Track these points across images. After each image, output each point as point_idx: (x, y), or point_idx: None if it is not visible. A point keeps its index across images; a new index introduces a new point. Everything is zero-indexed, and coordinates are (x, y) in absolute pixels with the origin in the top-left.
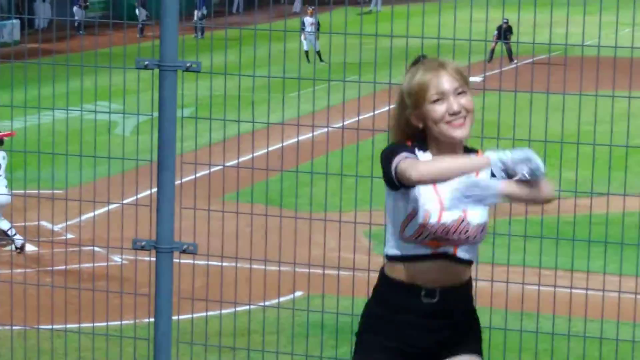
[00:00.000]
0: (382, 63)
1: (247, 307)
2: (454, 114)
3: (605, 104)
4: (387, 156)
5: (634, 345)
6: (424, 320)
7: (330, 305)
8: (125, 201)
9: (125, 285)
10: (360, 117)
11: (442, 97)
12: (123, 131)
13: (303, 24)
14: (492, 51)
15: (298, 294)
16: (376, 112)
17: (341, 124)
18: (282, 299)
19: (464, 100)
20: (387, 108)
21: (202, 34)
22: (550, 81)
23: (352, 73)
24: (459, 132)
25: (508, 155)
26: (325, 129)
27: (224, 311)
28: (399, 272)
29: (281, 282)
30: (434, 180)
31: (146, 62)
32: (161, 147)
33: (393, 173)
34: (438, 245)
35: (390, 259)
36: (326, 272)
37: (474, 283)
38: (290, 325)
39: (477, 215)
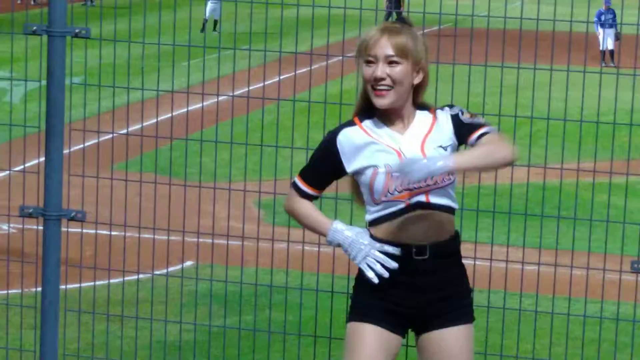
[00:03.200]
0: (274, 33)
1: (136, 276)
2: (377, 80)
3: (495, 75)
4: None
5: (520, 316)
6: (415, 278)
7: (219, 275)
8: (13, 169)
9: (13, 254)
10: (251, 87)
11: (373, 59)
12: (11, 99)
13: None
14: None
15: (188, 263)
16: (266, 83)
17: (231, 94)
18: (171, 269)
19: (394, 70)
20: (277, 79)
21: (93, 1)
22: (441, 53)
23: (243, 43)
24: (377, 100)
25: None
26: (215, 99)
27: (112, 280)
28: (383, 234)
29: (170, 251)
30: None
31: (34, 28)
32: (50, 114)
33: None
34: (410, 195)
35: (372, 223)
36: (215, 241)
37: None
38: (179, 294)
39: (438, 156)
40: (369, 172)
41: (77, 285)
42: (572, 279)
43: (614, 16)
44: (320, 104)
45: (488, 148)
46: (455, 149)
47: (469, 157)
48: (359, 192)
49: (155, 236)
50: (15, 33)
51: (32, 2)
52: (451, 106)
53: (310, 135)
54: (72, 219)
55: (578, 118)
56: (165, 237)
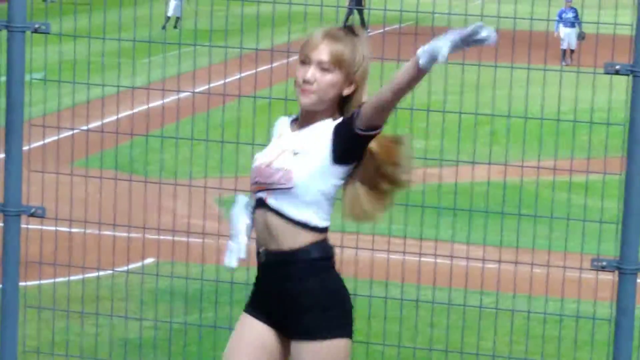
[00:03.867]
0: (234, 30)
1: (96, 273)
2: (305, 81)
3: (456, 74)
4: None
5: (480, 313)
6: (260, 280)
7: (180, 272)
8: None
9: None
10: (212, 84)
11: (307, 61)
12: None
13: None
14: (349, 15)
15: (148, 260)
16: (227, 80)
17: (192, 91)
18: (131, 266)
19: (324, 77)
20: (237, 76)
21: None
22: (402, 51)
23: (205, 40)
24: (301, 98)
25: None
26: (176, 96)
27: (72, 277)
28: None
29: (131, 248)
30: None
31: None
32: (9, 110)
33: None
34: (257, 189)
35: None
36: (176, 238)
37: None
38: (140, 291)
39: (281, 160)
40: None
41: (37, 282)
42: (533, 277)
43: (576, 15)
44: (281, 101)
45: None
46: (322, 162)
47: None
48: None
49: (116, 233)
50: None
51: None
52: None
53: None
54: (31, 215)
55: (539, 116)
56: (126, 234)
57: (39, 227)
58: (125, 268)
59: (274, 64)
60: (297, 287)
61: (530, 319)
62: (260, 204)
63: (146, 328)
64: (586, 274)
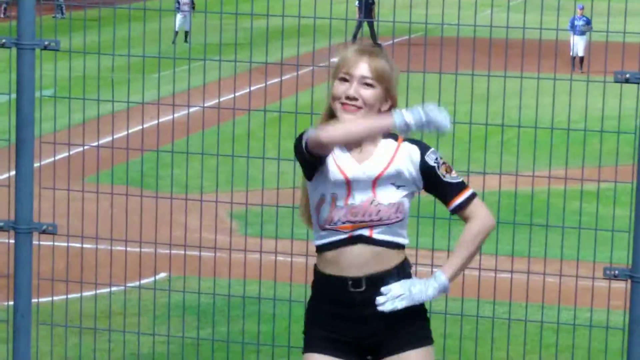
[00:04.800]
0: (244, 44)
1: (108, 289)
2: (349, 98)
3: (466, 84)
4: (298, 139)
5: (493, 323)
6: (354, 310)
7: (192, 286)
8: None
9: None
10: (222, 98)
11: (348, 78)
12: None
13: (178, 2)
14: (359, 28)
15: (161, 275)
16: (237, 94)
17: (202, 105)
18: (144, 281)
19: (367, 92)
20: (247, 90)
21: (63, 13)
22: (411, 61)
23: (214, 54)
24: (345, 115)
25: (416, 117)
26: (186, 111)
27: (85, 293)
28: (324, 263)
29: (143, 263)
30: (343, 141)
31: (3, 40)
32: (19, 127)
33: (304, 149)
34: (353, 228)
35: (317, 249)
36: (188, 252)
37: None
38: (152, 306)
39: (387, 196)
40: (316, 197)
41: (49, 298)
42: (545, 286)
43: (588, 22)
44: (291, 114)
45: (475, 237)
46: (414, 193)
47: (459, 263)
48: (307, 207)
49: (128, 248)
50: None
51: (1, 15)
52: (426, 148)
53: (282, 146)
54: (43, 232)
55: (549, 125)
56: (138, 249)
57: (51, 243)
58: (137, 283)
59: (284, 77)
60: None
61: (543, 329)
62: (360, 240)
63: (159, 343)
64: (599, 282)
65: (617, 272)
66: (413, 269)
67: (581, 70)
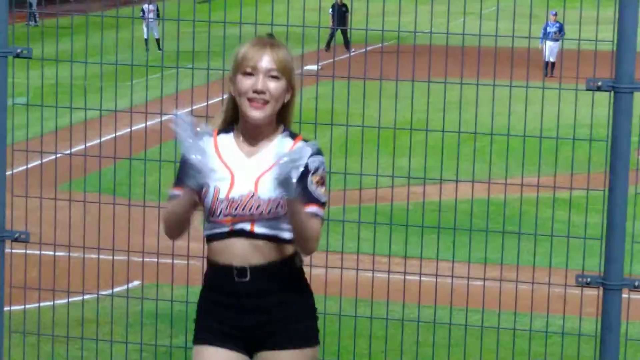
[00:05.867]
0: (217, 51)
1: (81, 297)
2: (256, 92)
3: (439, 92)
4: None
5: (466, 330)
6: (240, 300)
7: (165, 294)
8: None
9: None
10: (194, 107)
11: (254, 72)
12: None
13: (143, 11)
14: (332, 36)
15: (134, 283)
16: (210, 102)
17: (174, 113)
18: (116, 289)
19: (273, 84)
20: (220, 98)
21: (36, 21)
22: (384, 70)
23: (187, 62)
24: (253, 112)
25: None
26: (159, 119)
27: (57, 301)
28: (212, 253)
29: (116, 271)
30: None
31: None
32: None
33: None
34: (233, 221)
35: (206, 240)
36: (161, 260)
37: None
38: (125, 314)
39: (268, 190)
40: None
41: (21, 306)
42: (518, 294)
43: (560, 28)
44: None
45: (315, 226)
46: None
47: (303, 211)
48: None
49: (100, 256)
50: None
51: None
52: (317, 154)
53: None
54: (15, 239)
55: (522, 133)
56: (111, 257)
57: (23, 251)
58: (110, 291)
59: None
60: (300, 294)
61: (516, 336)
62: (241, 233)
63: (132, 351)
64: (571, 290)
65: (589, 279)
66: (385, 276)
67: (552, 75)
